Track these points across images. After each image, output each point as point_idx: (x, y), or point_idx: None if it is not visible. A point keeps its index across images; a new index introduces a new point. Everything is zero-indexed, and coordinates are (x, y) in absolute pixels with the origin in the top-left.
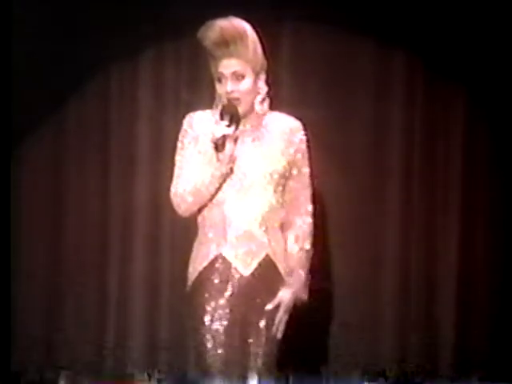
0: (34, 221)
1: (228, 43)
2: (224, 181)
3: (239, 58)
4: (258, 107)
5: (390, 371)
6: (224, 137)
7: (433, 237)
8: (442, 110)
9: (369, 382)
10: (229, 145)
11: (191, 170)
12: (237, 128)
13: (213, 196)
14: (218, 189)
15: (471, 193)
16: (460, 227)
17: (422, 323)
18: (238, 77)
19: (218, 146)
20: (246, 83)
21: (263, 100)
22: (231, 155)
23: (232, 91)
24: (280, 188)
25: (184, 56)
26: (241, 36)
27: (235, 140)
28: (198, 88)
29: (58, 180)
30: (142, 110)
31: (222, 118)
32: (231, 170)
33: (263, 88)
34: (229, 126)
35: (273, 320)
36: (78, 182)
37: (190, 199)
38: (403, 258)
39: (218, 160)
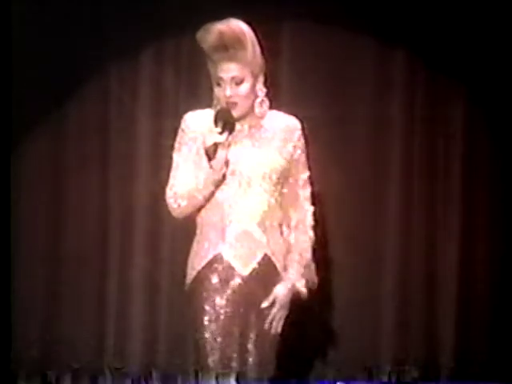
0: (34, 221)
1: (227, 47)
2: (218, 186)
3: (238, 61)
4: (257, 109)
5: (389, 371)
6: (215, 144)
7: (433, 236)
8: (442, 109)
9: (368, 381)
10: (220, 152)
11: (186, 172)
12: (230, 134)
13: (208, 200)
14: (213, 193)
15: (471, 192)
16: (460, 226)
17: (422, 323)
18: (238, 81)
19: (210, 153)
20: (245, 87)
21: (262, 102)
22: (224, 162)
23: (231, 96)
24: (279, 187)
25: (184, 56)
26: (239, 40)
27: (228, 146)
28: (198, 87)
29: (58, 180)
30: (142, 109)
31: (216, 125)
32: (224, 176)
33: (262, 90)
34: (221, 133)
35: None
36: (77, 182)
37: (183, 203)
38: (403, 257)
39: (211, 166)
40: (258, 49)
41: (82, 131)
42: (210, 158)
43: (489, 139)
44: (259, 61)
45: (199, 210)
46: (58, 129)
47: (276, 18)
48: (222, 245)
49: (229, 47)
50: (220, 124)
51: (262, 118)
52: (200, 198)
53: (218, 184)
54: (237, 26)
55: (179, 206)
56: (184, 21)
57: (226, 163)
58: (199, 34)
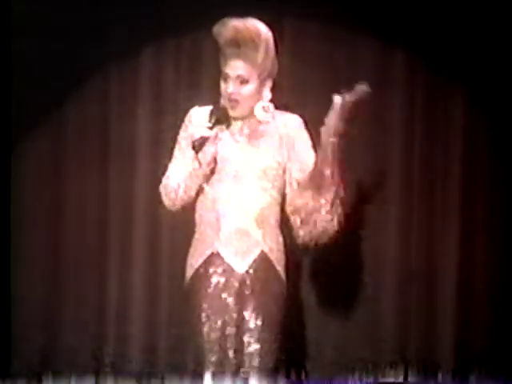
0: (33, 221)
1: (239, 44)
2: (205, 180)
3: (247, 61)
4: (260, 115)
5: (389, 371)
6: (202, 138)
7: (433, 237)
8: (442, 109)
9: (368, 381)
10: (208, 147)
11: (181, 166)
12: (221, 132)
13: (197, 193)
14: (202, 187)
15: (471, 193)
16: (460, 227)
17: (422, 323)
18: (242, 81)
19: (196, 146)
20: (249, 89)
21: (266, 108)
22: (211, 157)
23: (232, 93)
24: (276, 183)
25: (184, 55)
26: (253, 39)
27: (216, 142)
28: (198, 87)
29: (58, 180)
30: (142, 109)
31: (209, 119)
32: (212, 171)
33: (267, 96)
34: (211, 128)
35: (269, 318)
36: (77, 182)
37: (172, 195)
38: (403, 257)
39: (197, 160)
40: (271, 53)
41: (82, 131)
42: (195, 151)
43: (489, 139)
44: (270, 65)
45: (194, 204)
46: (58, 129)
47: (276, 18)
48: (219, 242)
49: (241, 44)
50: (213, 120)
51: (263, 123)
52: (188, 190)
53: (205, 178)
54: (253, 25)
55: (170, 197)
56: (184, 21)
57: (215, 159)
58: (216, 28)
